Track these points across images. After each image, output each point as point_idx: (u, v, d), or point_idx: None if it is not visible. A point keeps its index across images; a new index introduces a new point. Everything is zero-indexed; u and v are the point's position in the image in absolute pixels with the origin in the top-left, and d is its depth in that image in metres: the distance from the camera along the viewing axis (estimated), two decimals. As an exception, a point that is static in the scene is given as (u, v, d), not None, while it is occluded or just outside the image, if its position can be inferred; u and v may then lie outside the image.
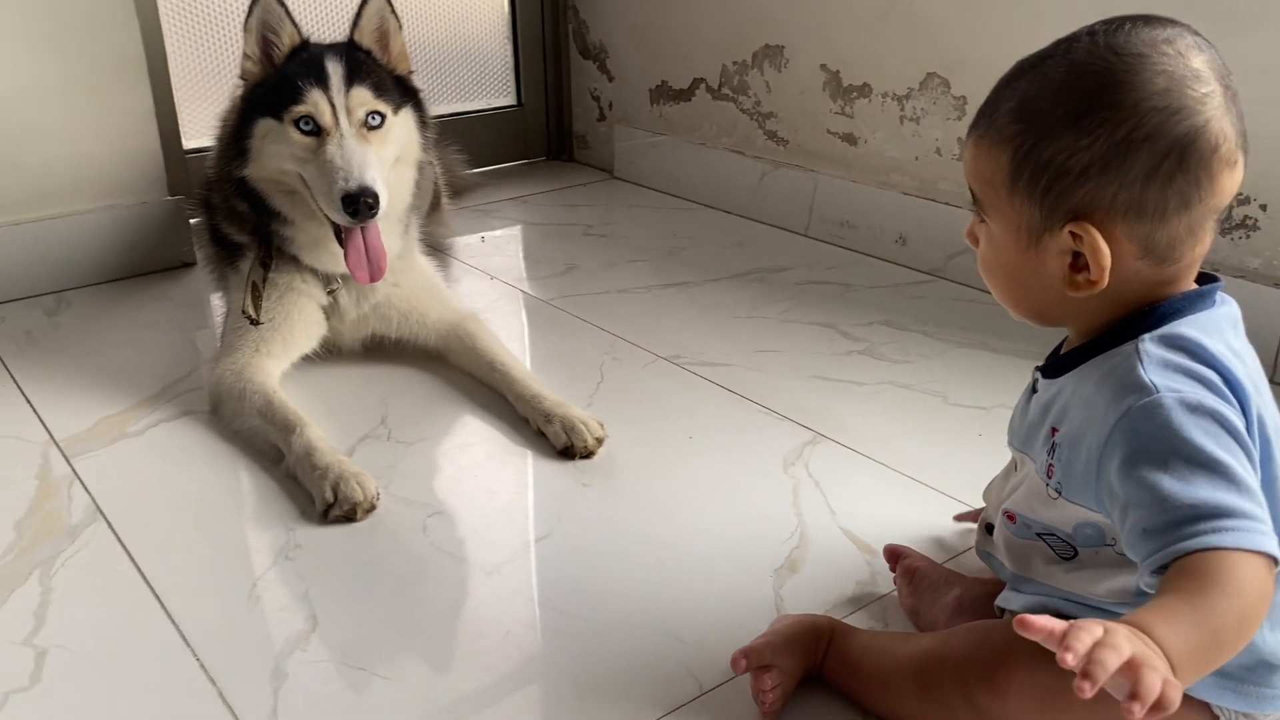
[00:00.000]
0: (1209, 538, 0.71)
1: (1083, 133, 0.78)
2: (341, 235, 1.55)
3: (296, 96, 1.51)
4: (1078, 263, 0.82)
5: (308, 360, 1.68)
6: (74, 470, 1.43)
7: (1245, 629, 0.70)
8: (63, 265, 2.07)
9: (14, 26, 1.94)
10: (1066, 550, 0.90)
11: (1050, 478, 0.87)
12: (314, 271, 1.63)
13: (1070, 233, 0.80)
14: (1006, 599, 0.98)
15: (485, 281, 2.12)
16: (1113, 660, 0.63)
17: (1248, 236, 1.64)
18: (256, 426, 1.46)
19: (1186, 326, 0.81)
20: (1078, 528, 0.87)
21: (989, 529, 1.01)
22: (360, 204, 1.47)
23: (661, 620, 1.12)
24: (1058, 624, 0.65)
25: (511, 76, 2.94)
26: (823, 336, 1.81)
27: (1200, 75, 0.78)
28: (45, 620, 1.14)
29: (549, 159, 3.03)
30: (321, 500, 1.30)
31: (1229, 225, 1.65)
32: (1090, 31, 0.81)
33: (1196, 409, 0.75)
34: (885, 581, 1.17)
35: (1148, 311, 0.83)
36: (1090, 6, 1.72)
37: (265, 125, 1.54)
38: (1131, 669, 0.63)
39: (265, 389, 1.49)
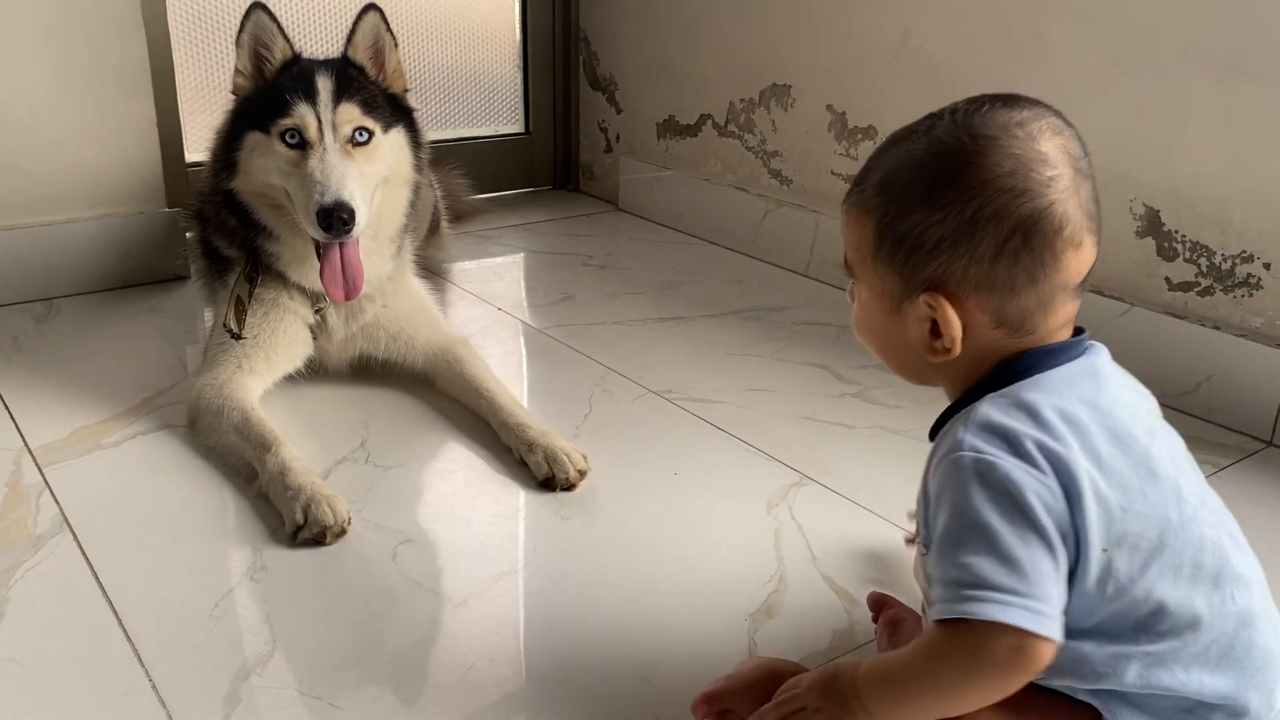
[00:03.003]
0: (957, 605, 0.77)
1: (935, 209, 0.82)
2: (320, 251, 1.53)
3: (283, 109, 1.50)
4: (935, 330, 0.85)
5: (292, 379, 1.66)
6: (45, 479, 1.40)
7: (952, 689, 0.79)
8: (55, 272, 2.05)
9: (17, 31, 1.94)
10: None
11: (919, 535, 0.89)
12: (301, 289, 1.61)
13: (925, 302, 0.84)
14: None
15: (481, 307, 2.10)
16: None
17: (1250, 295, 1.62)
18: (232, 443, 1.44)
19: (1028, 389, 0.82)
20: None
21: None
22: (334, 219, 1.45)
23: (631, 661, 1.09)
24: None
25: (520, 104, 2.94)
26: (816, 377, 1.79)
27: (1047, 159, 0.81)
28: (-2, 632, 1.11)
29: (554, 188, 3.02)
30: (291, 522, 1.27)
31: (1232, 283, 1.63)
32: (953, 110, 0.85)
33: (985, 475, 0.78)
34: (863, 631, 1.14)
35: (998, 370, 0.85)
36: (1098, 52, 1.73)
37: (253, 139, 1.53)
38: None
39: (244, 406, 1.47)
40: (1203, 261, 1.67)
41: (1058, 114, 0.84)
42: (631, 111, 2.78)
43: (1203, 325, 1.66)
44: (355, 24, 1.59)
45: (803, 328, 2.01)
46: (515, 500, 1.40)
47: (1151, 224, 1.71)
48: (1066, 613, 0.79)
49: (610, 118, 2.85)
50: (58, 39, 1.97)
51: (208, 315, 1.84)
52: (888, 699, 0.82)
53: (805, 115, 2.30)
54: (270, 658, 1.08)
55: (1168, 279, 1.71)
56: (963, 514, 0.79)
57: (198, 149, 2.27)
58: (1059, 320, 0.84)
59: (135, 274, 2.13)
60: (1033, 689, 0.83)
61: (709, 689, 0.98)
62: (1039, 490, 0.77)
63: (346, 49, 1.60)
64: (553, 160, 3.01)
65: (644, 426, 1.61)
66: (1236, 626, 0.81)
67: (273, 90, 1.53)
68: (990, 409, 0.82)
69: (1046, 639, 0.76)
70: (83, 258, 2.08)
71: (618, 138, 2.84)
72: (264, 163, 1.53)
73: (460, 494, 1.42)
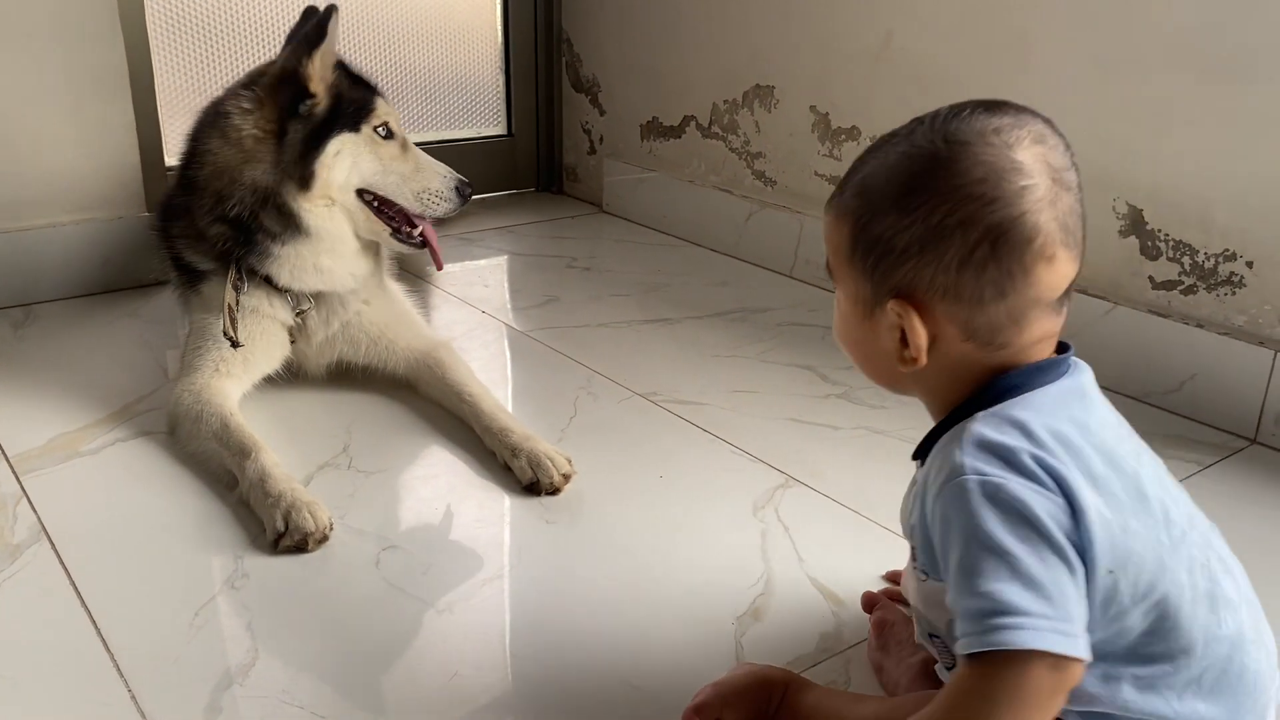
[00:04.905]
0: (987, 636, 0.73)
1: (905, 213, 0.80)
2: (406, 233, 1.65)
3: (370, 105, 1.60)
4: (905, 339, 0.83)
5: (273, 383, 1.65)
6: (22, 488, 1.39)
7: None
8: (33, 278, 2.03)
9: (-7, 34, 1.92)
10: (948, 659, 0.88)
11: (916, 561, 0.86)
12: (283, 293, 1.60)
13: (893, 310, 0.82)
14: (944, 672, 0.94)
15: (464, 310, 2.09)
16: None
17: (1233, 293, 1.62)
18: (211, 449, 1.42)
19: (1018, 407, 0.80)
20: (950, 627, 0.84)
21: None
22: (470, 189, 1.71)
23: (617, 666, 1.08)
24: None
25: (503, 106, 2.93)
26: (801, 379, 1.78)
27: (1021, 168, 0.78)
28: (-26, 643, 1.09)
29: (538, 190, 3.01)
30: (272, 529, 1.26)
31: (1214, 281, 1.63)
32: (935, 114, 0.82)
33: (994, 496, 0.75)
34: (850, 634, 1.14)
35: (985, 388, 0.82)
36: (1080, 52, 1.73)
37: (340, 140, 1.56)
38: None
39: (222, 411, 1.45)
40: (1186, 260, 1.67)
41: (1046, 122, 0.81)
42: (615, 113, 2.77)
43: (1186, 324, 1.66)
44: (331, 25, 1.59)
45: (787, 329, 2.01)
46: (499, 505, 1.39)
47: (1134, 223, 1.72)
48: None
49: (593, 119, 2.84)
50: (34, 42, 1.95)
51: (186, 321, 1.82)
52: None
53: (788, 116, 2.29)
54: (252, 667, 1.07)
55: (1151, 278, 1.72)
56: (976, 539, 0.75)
57: (177, 153, 2.26)
58: (1034, 335, 0.81)
59: (114, 279, 2.11)
60: None
61: (698, 699, 0.96)
62: (1048, 507, 0.74)
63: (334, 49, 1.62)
64: (536, 162, 2.99)
65: (629, 429, 1.60)
66: (1229, 651, 0.79)
67: (344, 92, 1.58)
68: (982, 428, 0.78)
69: (1079, 660, 0.73)
70: (61, 263, 2.05)
71: (601, 139, 2.83)
72: (357, 160, 1.59)
73: (443, 499, 1.41)
